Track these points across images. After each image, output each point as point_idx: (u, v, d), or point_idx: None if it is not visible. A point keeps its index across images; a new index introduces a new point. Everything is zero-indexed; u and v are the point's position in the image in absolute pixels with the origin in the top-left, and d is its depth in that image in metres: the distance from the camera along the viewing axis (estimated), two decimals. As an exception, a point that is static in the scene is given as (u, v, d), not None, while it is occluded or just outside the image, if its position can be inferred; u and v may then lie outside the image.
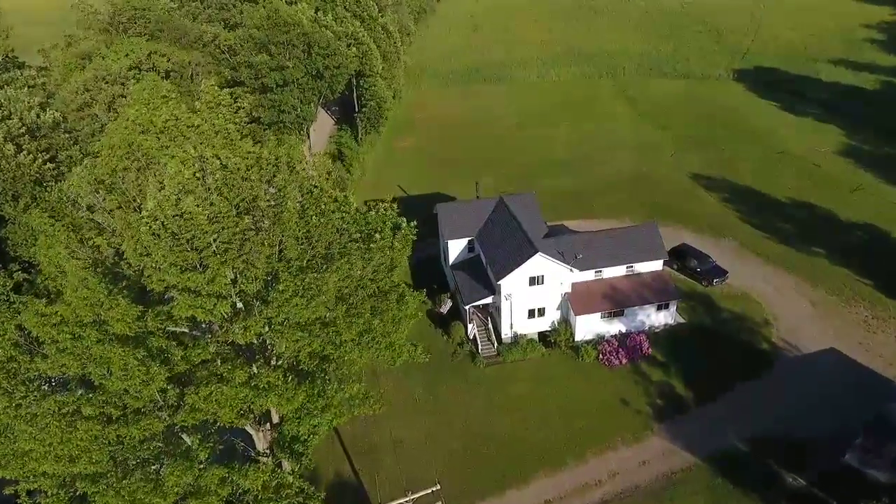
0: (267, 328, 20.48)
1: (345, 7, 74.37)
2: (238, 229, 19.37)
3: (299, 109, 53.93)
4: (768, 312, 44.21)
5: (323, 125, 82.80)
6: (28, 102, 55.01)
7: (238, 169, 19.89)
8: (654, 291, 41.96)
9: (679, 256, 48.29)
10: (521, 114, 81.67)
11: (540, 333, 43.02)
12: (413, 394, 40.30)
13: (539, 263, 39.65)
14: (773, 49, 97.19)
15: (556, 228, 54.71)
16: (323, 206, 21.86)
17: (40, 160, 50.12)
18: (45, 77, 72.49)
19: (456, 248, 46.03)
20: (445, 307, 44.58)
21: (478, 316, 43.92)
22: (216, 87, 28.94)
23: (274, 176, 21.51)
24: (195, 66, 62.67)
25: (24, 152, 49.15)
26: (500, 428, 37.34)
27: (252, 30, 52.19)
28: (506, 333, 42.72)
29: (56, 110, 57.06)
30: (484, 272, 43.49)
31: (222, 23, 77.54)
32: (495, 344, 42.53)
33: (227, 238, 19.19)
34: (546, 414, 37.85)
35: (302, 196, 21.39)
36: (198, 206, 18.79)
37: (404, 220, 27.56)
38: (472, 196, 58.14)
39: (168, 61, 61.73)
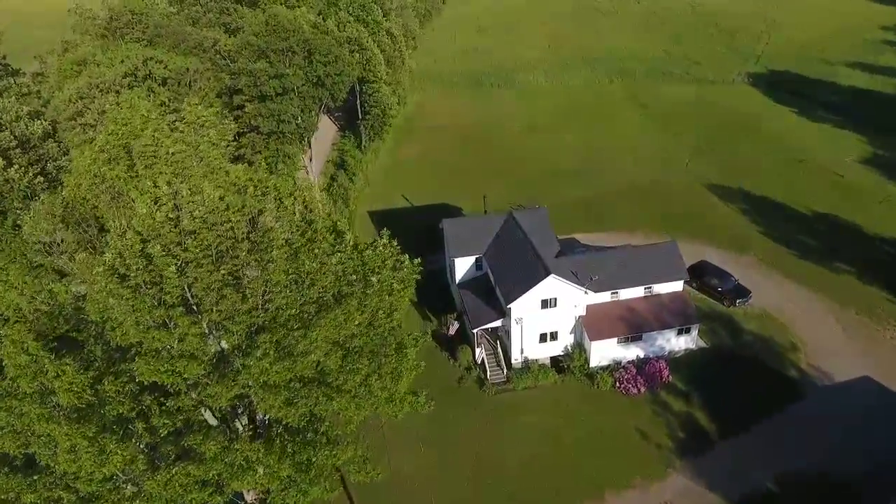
0: (247, 387, 18.17)
1: (348, 11, 72.24)
2: (214, 279, 17.05)
3: (300, 118, 51.77)
4: (795, 336, 41.68)
5: (326, 132, 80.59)
6: (17, 112, 53.03)
7: (217, 208, 17.57)
8: (674, 314, 39.51)
9: (698, 274, 45.81)
10: (530, 119, 79.27)
11: (552, 358, 40.66)
12: (417, 423, 37.93)
13: (552, 286, 37.29)
14: (787, 51, 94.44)
15: (567, 241, 52.35)
16: (317, 251, 19.40)
17: (31, 174, 48.12)
18: (40, 83, 70.70)
19: (463, 266, 43.71)
20: (452, 329, 42.24)
21: (486, 339, 41.59)
22: (199, 106, 26.56)
23: (260, 213, 19.17)
24: (194, 73, 60.61)
25: (15, 167, 47.15)
26: (511, 462, 34.99)
27: (250, 36, 50.11)
28: (516, 358, 40.37)
29: (47, 119, 55.13)
30: (493, 292, 41.15)
31: (223, 27, 75.43)
32: (505, 370, 40.19)
33: (201, 290, 16.91)
34: (560, 448, 35.47)
35: (292, 235, 19.04)
36: (168, 252, 16.41)
37: (406, 256, 25.08)
38: (480, 209, 55.92)
39: (165, 68, 59.63)
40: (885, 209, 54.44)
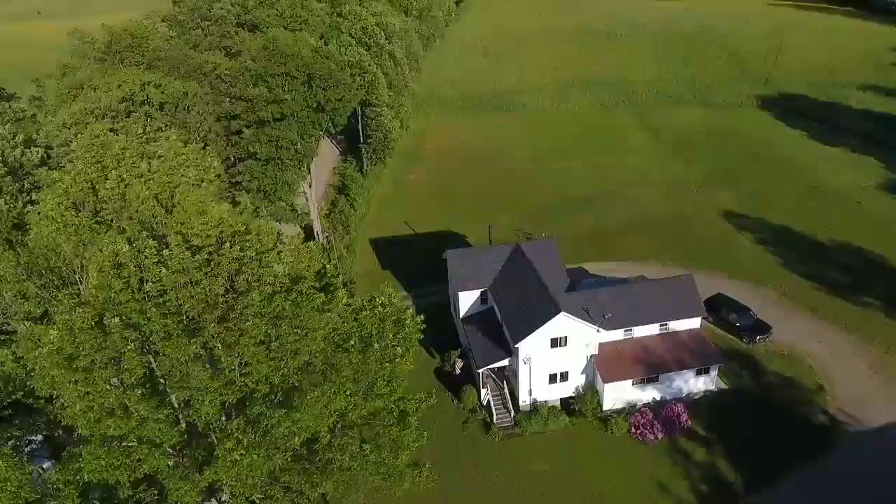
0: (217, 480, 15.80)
1: (350, 35, 71.21)
2: (182, 354, 14.80)
3: (298, 145, 50.11)
4: (821, 376, 39.02)
5: (327, 155, 79.13)
6: (12, 141, 51.52)
7: (188, 268, 15.33)
8: (692, 354, 37.01)
9: (714, 308, 43.29)
10: (536, 144, 77.65)
11: (562, 400, 38.08)
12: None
13: (562, 324, 34.93)
14: (797, 74, 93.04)
15: (575, 272, 50.16)
16: (303, 316, 16.84)
17: (21, 203, 46.35)
18: (37, 108, 69.58)
19: (467, 300, 41.43)
20: (457, 367, 39.70)
21: (492, 379, 39.13)
22: (179, 142, 24.58)
23: (238, 272, 16.88)
24: (192, 97, 59.30)
25: (6, 196, 45.37)
26: (520, 519, 32.27)
27: (248, 61, 48.76)
28: (524, 400, 37.83)
29: (41, 146, 53.71)
30: (499, 328, 38.79)
31: (223, 51, 74.51)
32: (512, 412, 37.62)
33: (166, 367, 14.71)
34: (573, 501, 32.73)
35: (273, 298, 16.65)
36: (128, 325, 14.15)
37: (409, 312, 22.68)
38: (485, 236, 53.74)
39: (162, 93, 58.35)
40: (909, 239, 51.96)
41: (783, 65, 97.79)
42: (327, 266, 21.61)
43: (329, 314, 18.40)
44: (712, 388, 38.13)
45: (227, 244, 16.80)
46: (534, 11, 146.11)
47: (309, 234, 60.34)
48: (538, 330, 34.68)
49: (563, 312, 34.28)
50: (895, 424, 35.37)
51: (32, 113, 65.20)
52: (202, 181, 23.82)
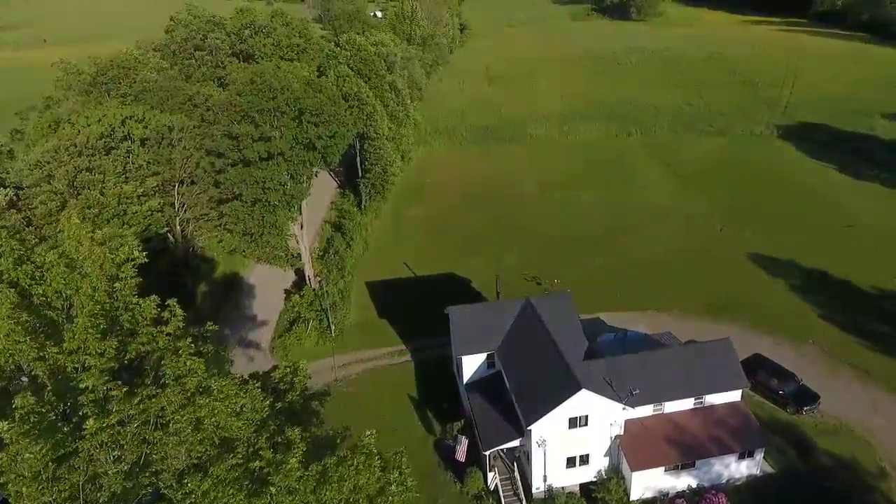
0: None
1: (349, 65, 67.73)
2: None
3: (288, 185, 45.97)
4: (883, 457, 33.75)
5: (324, 189, 75.09)
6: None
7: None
8: (734, 434, 31.88)
9: (752, 371, 38.18)
10: (544, 177, 73.40)
11: (582, 486, 32.93)
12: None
13: (583, 401, 29.99)
14: (816, 102, 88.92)
15: (592, 324, 45.31)
16: None
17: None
18: (18, 141, 66.14)
19: (472, 364, 36.60)
20: (461, 451, 34.48)
21: (501, 460, 34.06)
22: (77, 224, 20.01)
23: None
24: (179, 131, 55.56)
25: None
26: None
27: (234, 96, 45.02)
28: (537, 486, 32.68)
29: (11, 186, 49.94)
30: (508, 399, 33.83)
31: (216, 81, 71.27)
32: (523, 501, 32.45)
33: None
34: None
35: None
36: None
37: (394, 476, 18.14)
38: (490, 280, 49.18)
39: (145, 127, 54.63)
40: (962, 286, 46.93)
41: (800, 92, 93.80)
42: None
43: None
44: (756, 472, 32.90)
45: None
46: (539, 38, 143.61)
47: (302, 277, 55.92)
48: (555, 410, 29.73)
49: (584, 389, 29.36)
50: (978, 521, 30.00)
51: (9, 148, 61.70)
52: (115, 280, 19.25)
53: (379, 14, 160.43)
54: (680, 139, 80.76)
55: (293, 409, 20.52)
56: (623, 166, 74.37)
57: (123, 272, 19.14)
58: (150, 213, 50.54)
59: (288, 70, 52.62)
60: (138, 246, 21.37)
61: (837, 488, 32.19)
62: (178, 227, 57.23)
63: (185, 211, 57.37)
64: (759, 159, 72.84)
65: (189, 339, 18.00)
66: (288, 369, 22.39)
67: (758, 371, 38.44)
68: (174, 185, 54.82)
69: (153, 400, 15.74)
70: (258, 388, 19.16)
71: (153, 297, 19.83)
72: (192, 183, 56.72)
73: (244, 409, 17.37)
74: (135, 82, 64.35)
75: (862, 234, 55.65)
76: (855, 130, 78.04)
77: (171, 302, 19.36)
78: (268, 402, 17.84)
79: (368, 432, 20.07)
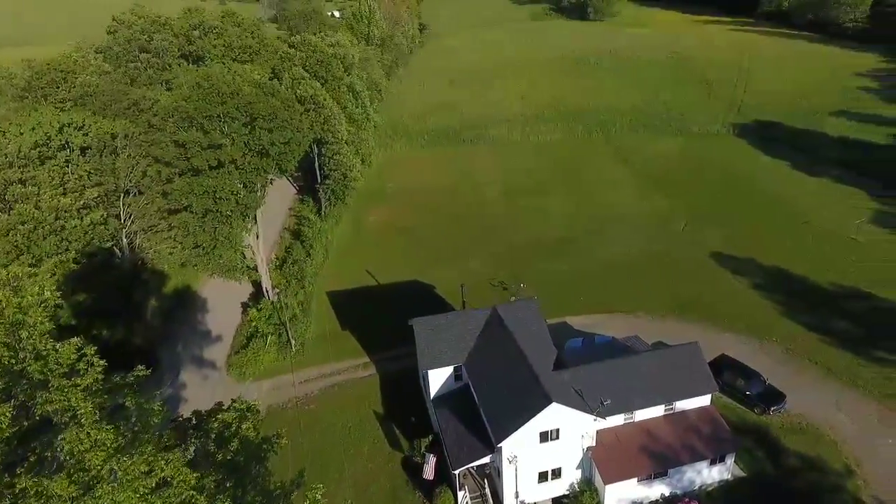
0: None
1: (304, 67, 65.44)
2: None
3: (241, 195, 43.69)
4: (849, 455, 33.97)
5: (283, 195, 72.66)
6: None
7: None
8: (705, 440, 31.52)
9: (719, 372, 38.04)
10: (507, 179, 72.68)
11: (555, 500, 32.04)
12: None
13: (554, 415, 29.06)
14: (769, 101, 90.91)
15: (558, 328, 44.72)
16: None
17: None
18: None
19: (438, 378, 35.28)
20: (429, 469, 33.14)
21: (472, 477, 32.86)
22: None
23: None
24: (123, 139, 52.38)
25: None
26: None
27: (180, 101, 42.44)
28: (509, 503, 31.59)
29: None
30: (477, 415, 32.66)
31: (163, 84, 67.85)
32: (496, 518, 31.38)
33: None
34: None
35: None
36: None
37: None
38: (455, 286, 47.97)
39: (85, 135, 51.29)
40: (913, 280, 48.17)
41: (753, 91, 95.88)
42: None
43: None
44: (728, 477, 32.65)
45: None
46: (500, 39, 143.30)
47: (259, 290, 53.55)
48: (525, 425, 28.70)
49: (554, 402, 28.40)
50: (941, 516, 30.40)
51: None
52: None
53: (337, 14, 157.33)
54: (640, 139, 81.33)
55: (235, 464, 18.29)
56: (586, 167, 74.34)
57: (32, 317, 16.49)
58: (91, 226, 47.39)
59: (239, 73, 50.14)
60: (54, 285, 19.01)
61: (806, 490, 32.22)
62: (125, 240, 54.03)
63: (132, 223, 54.20)
64: (717, 158, 73.89)
65: (99, 400, 15.53)
66: (236, 412, 20.21)
67: (724, 372, 38.36)
68: (119, 196, 51.70)
69: (35, 496, 12.91)
70: (194, 441, 17.00)
71: (73, 340, 17.53)
72: (139, 193, 53.62)
73: (163, 483, 14.70)
74: (74, 87, 60.57)
75: (817, 230, 56.77)
76: (805, 128, 80.00)
77: (89, 350, 17.07)
78: (194, 475, 15.29)
79: (314, 486, 18.15)
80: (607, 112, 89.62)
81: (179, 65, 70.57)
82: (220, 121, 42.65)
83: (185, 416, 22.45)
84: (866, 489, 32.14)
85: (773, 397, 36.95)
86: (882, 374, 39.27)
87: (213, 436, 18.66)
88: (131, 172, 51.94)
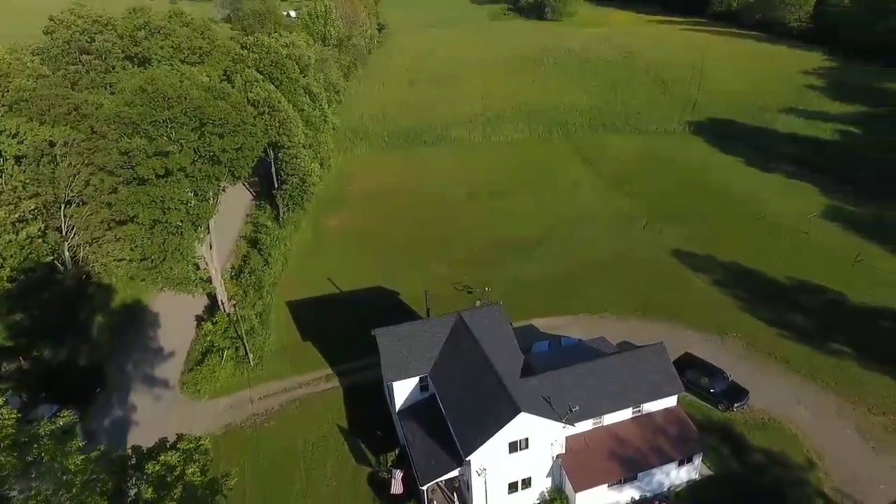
0: None
1: (258, 69, 63.22)
2: None
3: (191, 204, 41.60)
4: (811, 449, 34.53)
5: (239, 201, 70.17)
6: None
7: None
8: (673, 442, 31.44)
9: (683, 370, 38.17)
10: (470, 180, 72.05)
11: (526, 509, 31.43)
12: None
13: (523, 424, 28.41)
14: (721, 99, 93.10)
15: (525, 332, 44.31)
16: None
17: None
18: None
19: (403, 390, 34.22)
20: (395, 484, 32.08)
21: (441, 491, 31.94)
22: None
23: None
24: (63, 146, 49.32)
25: None
26: None
27: (122, 106, 40.09)
28: (480, 515, 30.82)
29: None
30: (444, 426, 31.74)
31: (107, 88, 64.48)
32: (466, 533, 30.56)
33: None
34: None
35: None
36: None
37: None
38: (420, 292, 46.93)
39: (20, 143, 48.09)
40: (863, 272, 49.73)
41: (707, 90, 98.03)
42: None
43: None
44: (696, 476, 32.70)
45: None
46: (459, 38, 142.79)
47: (215, 302, 51.27)
48: (494, 436, 27.95)
49: (523, 412, 27.75)
50: (898, 505, 31.10)
51: None
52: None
53: (293, 14, 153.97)
54: (600, 138, 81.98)
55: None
56: (547, 167, 74.38)
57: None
58: (28, 240, 44.45)
59: (187, 75, 47.82)
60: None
61: (771, 485, 32.55)
62: (68, 254, 51.00)
63: (75, 235, 51.19)
64: (675, 156, 75.04)
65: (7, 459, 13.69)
66: (181, 453, 18.49)
67: (688, 370, 38.54)
68: (60, 207, 48.71)
69: None
70: (134, 484, 15.39)
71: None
72: (83, 203, 50.67)
73: None
74: (7, 91, 56.79)
75: (771, 225, 58.10)
76: (757, 125, 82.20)
77: None
78: None
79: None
80: (567, 112, 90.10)
81: (124, 67, 67.25)
82: (166, 126, 40.45)
83: (127, 450, 20.71)
84: (827, 481, 32.69)
85: (736, 394, 37.32)
86: (839, 366, 40.21)
87: (153, 481, 17.06)
88: (73, 182, 49.00)
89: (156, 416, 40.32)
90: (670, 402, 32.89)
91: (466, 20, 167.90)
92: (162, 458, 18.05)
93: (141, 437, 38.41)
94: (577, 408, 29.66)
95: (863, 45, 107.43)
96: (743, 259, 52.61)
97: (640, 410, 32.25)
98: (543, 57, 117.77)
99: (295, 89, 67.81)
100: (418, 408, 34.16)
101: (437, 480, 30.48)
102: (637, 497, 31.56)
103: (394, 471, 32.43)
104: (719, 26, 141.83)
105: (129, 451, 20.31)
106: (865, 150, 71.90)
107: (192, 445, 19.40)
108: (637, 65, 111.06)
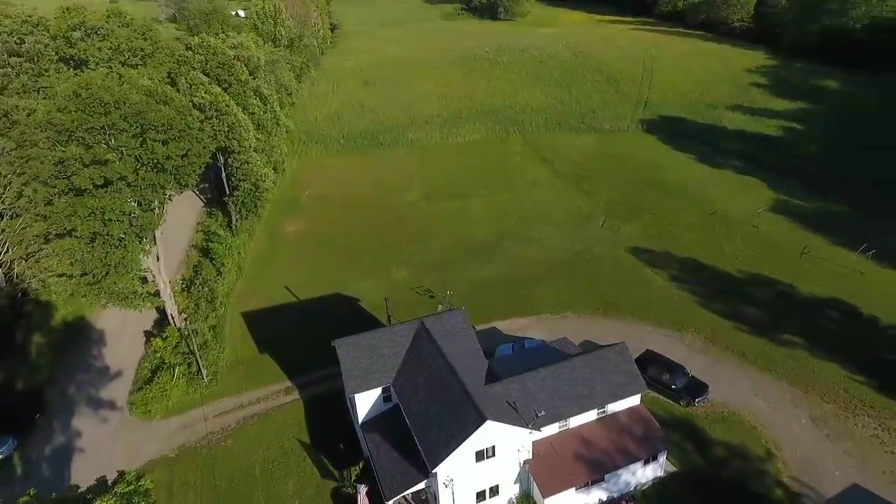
0: None
1: (204, 72, 60.68)
2: None
3: (134, 215, 39.33)
4: (768, 439, 35.32)
5: (189, 208, 67.39)
6: None
7: None
8: (638, 442, 31.55)
9: (644, 368, 38.58)
10: (428, 182, 71.33)
11: (495, 518, 30.95)
12: None
13: (489, 432, 27.89)
14: (671, 97, 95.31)
15: (488, 335, 44.00)
16: None
17: None
18: None
19: (366, 401, 33.22)
20: (362, 499, 31.02)
21: (407, 503, 31.15)
22: None
23: None
24: (-9, 156, 46.02)
25: None
26: None
27: (55, 113, 37.51)
28: (448, 527, 30.16)
29: None
30: (409, 437, 30.94)
31: (40, 92, 60.71)
32: (435, 545, 29.84)
33: None
34: None
35: None
36: None
37: None
38: (380, 298, 46.03)
39: (-60, 153, 44.59)
40: (810, 264, 51.52)
41: (656, 88, 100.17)
42: None
43: None
44: (661, 474, 32.95)
45: None
46: (413, 38, 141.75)
47: (164, 316, 48.81)
48: (460, 447, 27.31)
49: (489, 420, 27.20)
50: (849, 488, 32.08)
51: None
52: None
53: (241, 13, 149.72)
54: (556, 137, 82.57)
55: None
56: (505, 167, 74.35)
57: None
58: (-46, 258, 41.22)
59: (126, 79, 45.28)
60: None
61: (733, 478, 33.10)
62: (0, 270, 47.70)
63: (8, 250, 47.93)
64: (630, 154, 76.23)
65: None
66: (119, 497, 17.04)
67: (650, 367, 38.96)
68: (-11, 221, 45.51)
69: None
70: None
71: None
72: (16, 216, 47.45)
73: None
74: (-72, 97, 52.73)
75: (723, 219, 59.61)
76: (706, 122, 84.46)
77: None
78: None
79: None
80: (523, 111, 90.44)
81: (58, 70, 63.50)
82: (104, 133, 38.06)
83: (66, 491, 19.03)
84: (786, 471, 33.48)
85: (696, 389, 37.89)
86: (791, 356, 41.41)
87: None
88: (3, 194, 45.85)
89: (102, 440, 37.99)
90: (634, 400, 33.02)
91: (420, 20, 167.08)
92: (98, 502, 16.55)
93: (86, 464, 36.26)
94: (543, 412, 29.37)
95: (801, 45, 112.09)
96: (698, 254, 53.76)
97: (604, 411, 32.24)
98: (498, 57, 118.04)
99: (244, 92, 65.46)
100: (382, 419, 33.22)
101: (403, 494, 29.64)
102: (604, 498, 31.53)
103: (358, 486, 31.41)
104: (667, 26, 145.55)
105: (59, 495, 18.56)
106: (808, 146, 74.86)
107: (131, 488, 17.93)
108: (590, 64, 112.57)
